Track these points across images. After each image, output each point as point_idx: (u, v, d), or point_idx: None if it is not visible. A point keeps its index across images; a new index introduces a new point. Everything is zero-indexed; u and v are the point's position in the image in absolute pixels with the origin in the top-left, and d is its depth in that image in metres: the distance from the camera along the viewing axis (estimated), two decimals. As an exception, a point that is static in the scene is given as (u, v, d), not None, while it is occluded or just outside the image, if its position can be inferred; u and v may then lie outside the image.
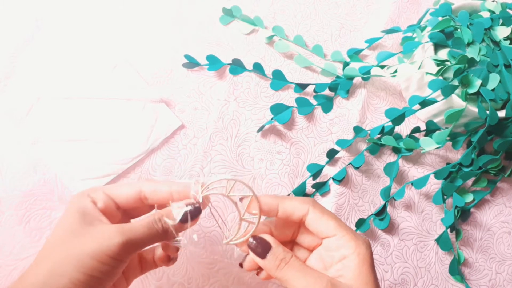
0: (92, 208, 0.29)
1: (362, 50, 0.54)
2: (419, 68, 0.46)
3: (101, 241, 0.26)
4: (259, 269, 0.31)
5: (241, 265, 0.32)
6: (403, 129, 0.52)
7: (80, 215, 0.28)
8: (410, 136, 0.49)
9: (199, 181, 0.31)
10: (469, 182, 0.50)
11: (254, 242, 0.30)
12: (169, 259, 0.33)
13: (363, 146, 0.50)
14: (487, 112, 0.43)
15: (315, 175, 0.48)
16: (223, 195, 0.30)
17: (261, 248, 0.29)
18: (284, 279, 0.29)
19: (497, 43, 0.46)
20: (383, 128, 0.47)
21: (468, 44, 0.46)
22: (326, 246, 0.30)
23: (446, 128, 0.46)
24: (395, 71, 0.47)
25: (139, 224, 0.28)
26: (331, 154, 0.49)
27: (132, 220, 0.33)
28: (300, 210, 0.30)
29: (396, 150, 0.50)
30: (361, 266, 0.28)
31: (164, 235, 0.29)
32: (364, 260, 0.28)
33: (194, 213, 0.30)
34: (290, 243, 0.33)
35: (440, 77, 0.45)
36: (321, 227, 0.30)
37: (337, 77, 0.52)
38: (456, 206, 0.46)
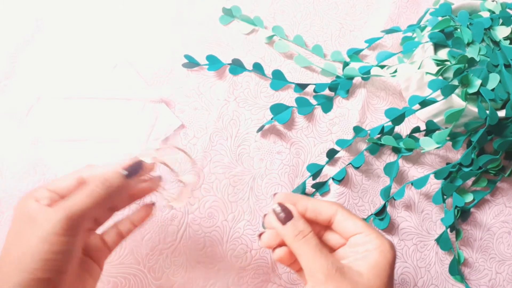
0: (36, 206, 0.29)
1: (362, 50, 0.54)
2: (419, 68, 0.46)
3: (44, 225, 0.26)
4: (275, 247, 0.32)
5: (259, 236, 0.33)
6: (403, 129, 0.52)
7: (23, 216, 0.28)
8: (410, 136, 0.49)
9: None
10: (469, 182, 0.50)
11: (280, 207, 0.31)
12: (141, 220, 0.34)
13: (363, 146, 0.50)
14: (487, 112, 0.43)
15: (315, 175, 0.48)
16: (157, 162, 0.32)
17: (284, 215, 0.30)
18: (298, 251, 0.29)
19: (497, 43, 0.46)
20: (383, 128, 0.47)
21: (468, 44, 0.46)
22: (352, 243, 0.30)
23: (446, 128, 0.46)
24: (395, 71, 0.47)
25: (79, 194, 0.29)
26: (331, 154, 0.49)
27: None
28: (329, 210, 0.31)
29: (396, 150, 0.50)
30: (380, 261, 0.28)
31: (109, 196, 0.30)
32: (385, 257, 0.29)
33: (134, 167, 0.31)
34: None
35: (440, 77, 0.45)
36: (349, 226, 0.30)
37: (337, 77, 0.52)
38: (456, 206, 0.46)
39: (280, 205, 0.31)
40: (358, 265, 0.29)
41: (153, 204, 0.36)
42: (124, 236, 0.34)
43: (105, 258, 0.33)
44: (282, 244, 0.32)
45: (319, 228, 0.33)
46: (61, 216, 0.27)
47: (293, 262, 0.32)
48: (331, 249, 0.32)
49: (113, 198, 0.30)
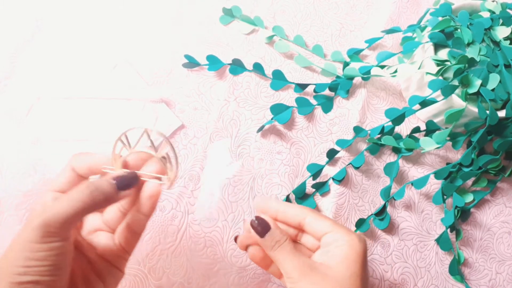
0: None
1: (362, 50, 0.54)
2: (419, 68, 0.46)
3: (24, 233, 0.26)
4: (247, 247, 0.36)
5: (235, 240, 0.36)
6: (403, 129, 0.52)
7: (27, 221, 0.28)
8: (410, 136, 0.49)
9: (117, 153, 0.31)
10: (469, 182, 0.50)
11: (257, 221, 0.33)
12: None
13: (363, 146, 0.50)
14: (487, 112, 0.43)
15: (315, 175, 0.48)
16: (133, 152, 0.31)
17: (261, 228, 0.33)
18: (275, 258, 0.32)
19: (497, 43, 0.46)
20: (383, 128, 0.47)
21: (468, 44, 0.46)
22: (324, 243, 0.33)
23: (446, 128, 0.46)
24: (395, 71, 0.47)
25: (62, 198, 0.27)
26: (331, 154, 0.49)
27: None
28: (299, 215, 0.34)
29: (396, 150, 0.50)
30: (349, 253, 0.31)
31: (94, 204, 0.28)
32: (354, 249, 0.31)
33: (128, 180, 0.30)
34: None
35: (440, 77, 0.45)
36: (319, 226, 0.33)
37: (337, 77, 0.52)
38: (456, 206, 0.46)
39: (257, 218, 0.33)
40: (329, 260, 0.31)
41: (158, 183, 0.32)
42: (138, 232, 0.33)
43: (125, 260, 0.33)
44: (255, 244, 0.35)
45: (297, 231, 0.35)
46: (37, 223, 0.26)
47: (262, 260, 0.35)
48: (310, 252, 0.35)
49: (99, 206, 0.28)
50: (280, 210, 0.34)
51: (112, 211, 0.32)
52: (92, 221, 0.33)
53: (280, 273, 0.35)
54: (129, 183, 0.30)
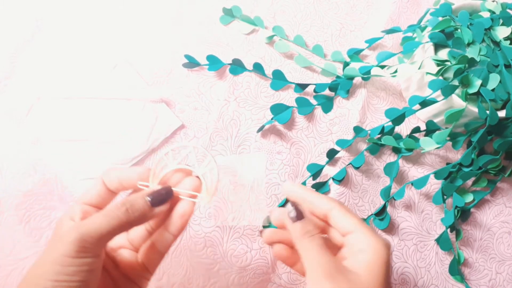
0: (66, 225, 0.28)
1: (362, 50, 0.54)
2: (419, 68, 0.46)
3: (58, 247, 0.26)
4: (275, 243, 0.34)
5: (260, 233, 0.35)
6: (403, 129, 0.52)
7: (54, 235, 0.28)
8: (410, 136, 0.49)
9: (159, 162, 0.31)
10: (469, 182, 0.50)
11: (292, 207, 0.31)
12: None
13: (363, 146, 0.50)
14: (487, 112, 0.43)
15: (315, 175, 0.48)
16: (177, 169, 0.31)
17: (295, 214, 0.31)
18: (302, 248, 0.30)
19: (497, 43, 0.46)
20: (383, 128, 0.47)
21: (468, 44, 0.46)
22: (347, 242, 0.31)
23: (446, 128, 0.46)
24: (395, 71, 0.47)
25: (98, 214, 0.27)
26: (331, 154, 0.49)
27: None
28: (326, 206, 0.32)
29: (396, 150, 0.50)
30: (375, 261, 0.29)
31: (129, 221, 0.28)
32: (380, 256, 0.29)
33: (162, 196, 0.30)
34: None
35: (440, 77, 0.45)
36: (344, 223, 0.31)
37: (337, 77, 0.52)
38: (456, 206, 0.46)
39: (294, 205, 0.32)
40: (354, 265, 0.29)
41: (192, 202, 0.32)
42: (163, 252, 0.32)
43: (147, 280, 0.32)
44: (281, 241, 0.33)
45: (324, 223, 0.33)
46: (74, 237, 0.26)
47: (288, 258, 0.33)
48: (337, 248, 0.33)
49: (134, 224, 0.29)
50: (307, 199, 0.33)
51: (138, 228, 0.32)
52: (116, 238, 0.32)
53: (294, 260, 0.34)
54: (163, 198, 0.29)
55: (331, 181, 0.49)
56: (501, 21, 0.47)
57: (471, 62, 0.44)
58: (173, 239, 0.31)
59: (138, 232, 0.32)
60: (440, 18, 0.47)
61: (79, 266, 0.26)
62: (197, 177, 0.31)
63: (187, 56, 0.51)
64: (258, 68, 0.52)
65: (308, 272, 0.29)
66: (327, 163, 0.49)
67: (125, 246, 0.32)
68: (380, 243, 0.29)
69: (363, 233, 0.30)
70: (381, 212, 0.47)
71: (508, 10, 0.48)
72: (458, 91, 0.44)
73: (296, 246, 0.31)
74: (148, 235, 0.32)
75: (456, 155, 0.51)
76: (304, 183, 0.48)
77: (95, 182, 0.31)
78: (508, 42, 0.46)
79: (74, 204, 0.30)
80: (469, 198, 0.49)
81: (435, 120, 0.49)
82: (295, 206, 0.31)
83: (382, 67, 0.50)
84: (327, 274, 0.28)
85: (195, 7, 0.55)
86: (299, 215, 0.31)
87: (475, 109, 0.43)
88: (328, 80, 0.53)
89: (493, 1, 0.49)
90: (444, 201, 0.47)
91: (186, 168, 0.31)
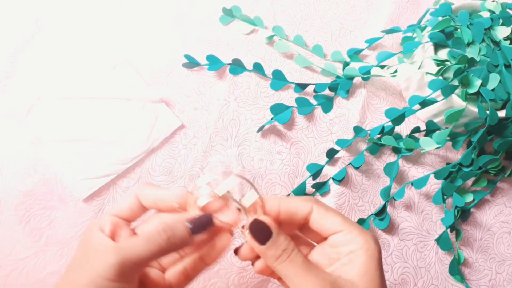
0: (98, 237, 0.27)
1: (362, 50, 0.54)
2: (419, 68, 0.46)
3: (96, 266, 0.25)
4: (254, 259, 0.30)
5: (235, 252, 0.30)
6: (403, 129, 0.52)
7: (83, 246, 0.27)
8: (410, 136, 0.49)
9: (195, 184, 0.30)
10: (469, 182, 0.50)
11: (254, 225, 0.27)
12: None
13: (363, 146, 0.50)
14: (487, 112, 0.43)
15: (315, 175, 0.48)
16: (218, 198, 0.29)
17: (260, 233, 0.27)
18: (284, 273, 0.26)
19: (497, 43, 0.46)
20: (383, 128, 0.47)
21: (468, 44, 0.46)
22: (332, 242, 0.28)
23: (446, 128, 0.46)
24: (395, 71, 0.47)
25: (139, 239, 0.26)
26: (331, 154, 0.49)
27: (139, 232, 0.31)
28: (304, 208, 0.28)
29: (396, 150, 0.50)
30: (369, 263, 0.26)
31: (170, 248, 0.27)
32: (372, 257, 0.27)
33: (202, 222, 0.28)
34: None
35: (440, 77, 0.45)
36: (327, 224, 0.28)
37: (337, 77, 0.52)
38: (456, 206, 0.46)
39: (255, 221, 0.27)
40: (347, 272, 0.26)
41: (231, 236, 0.30)
42: (191, 277, 0.30)
43: None
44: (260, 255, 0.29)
45: (294, 229, 0.30)
46: (116, 260, 0.25)
47: (273, 272, 0.29)
48: (310, 247, 0.30)
49: (173, 250, 0.27)
50: (282, 209, 0.28)
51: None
52: None
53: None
54: (204, 226, 0.28)
55: (331, 181, 0.49)
56: (501, 21, 0.47)
57: (471, 62, 0.44)
58: (205, 267, 0.30)
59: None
60: (440, 18, 0.47)
61: None
62: (238, 209, 0.29)
63: (187, 56, 0.51)
64: (258, 68, 0.52)
65: None
66: (327, 163, 0.49)
67: (152, 265, 0.31)
68: (371, 241, 0.27)
69: (350, 232, 0.27)
70: (381, 212, 0.47)
71: (508, 10, 0.48)
72: (458, 91, 0.44)
73: (275, 270, 0.27)
74: (179, 258, 0.31)
75: (456, 155, 0.51)
76: (304, 183, 0.48)
77: (129, 195, 0.30)
78: (508, 42, 0.46)
79: (104, 214, 0.29)
80: (469, 198, 0.49)
81: (435, 120, 0.49)
82: (257, 223, 0.27)
83: (382, 67, 0.50)
84: None
85: (195, 7, 0.55)
86: (266, 232, 0.27)
87: (475, 109, 0.43)
88: (328, 80, 0.53)
89: (493, 1, 0.49)
90: (444, 201, 0.47)
91: (228, 196, 0.29)
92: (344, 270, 0.27)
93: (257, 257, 0.29)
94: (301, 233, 0.31)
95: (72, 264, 0.27)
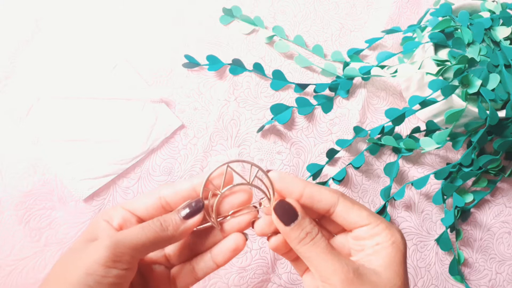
0: (102, 226, 0.27)
1: (362, 50, 0.54)
2: (419, 68, 0.46)
3: (92, 253, 0.25)
4: (270, 235, 0.29)
5: (252, 225, 0.29)
6: (403, 129, 0.52)
7: (87, 233, 0.27)
8: (410, 136, 0.49)
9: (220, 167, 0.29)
10: (469, 182, 0.50)
11: (281, 206, 0.27)
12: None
13: (363, 146, 0.50)
14: (487, 112, 0.43)
15: (315, 175, 0.48)
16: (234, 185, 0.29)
17: (287, 215, 0.27)
18: (306, 255, 0.26)
19: (497, 43, 0.46)
20: (383, 128, 0.47)
21: (468, 44, 0.46)
22: (357, 235, 0.27)
23: (446, 128, 0.46)
24: (395, 71, 0.47)
25: (135, 226, 0.26)
26: (331, 154, 0.49)
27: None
28: (330, 199, 0.27)
29: (396, 150, 0.50)
30: (394, 255, 0.26)
31: (165, 236, 0.27)
32: (398, 250, 0.26)
33: (192, 212, 0.28)
34: None
35: (440, 77, 0.45)
36: (353, 217, 0.27)
37: (337, 77, 0.52)
38: (456, 206, 0.46)
39: (282, 202, 0.27)
40: (371, 262, 0.26)
41: (244, 235, 0.29)
42: (199, 277, 0.30)
43: None
44: (277, 231, 0.28)
45: (314, 214, 0.29)
46: (110, 243, 0.25)
47: (288, 251, 0.29)
48: (330, 235, 0.30)
49: (169, 239, 0.27)
50: (306, 194, 0.27)
51: (179, 247, 0.30)
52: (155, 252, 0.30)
53: (304, 269, 0.30)
54: (194, 210, 0.28)
55: (331, 181, 0.49)
56: (501, 21, 0.47)
57: (471, 62, 0.44)
58: (215, 268, 0.30)
59: (177, 249, 0.30)
60: (440, 18, 0.47)
61: (110, 277, 0.24)
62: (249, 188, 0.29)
63: (187, 56, 0.51)
64: (258, 68, 0.52)
65: (321, 280, 0.26)
66: (327, 163, 0.49)
67: (160, 261, 0.31)
68: (398, 235, 0.27)
69: (377, 226, 0.27)
70: (381, 212, 0.47)
71: (508, 10, 0.48)
72: (458, 91, 0.44)
73: (297, 252, 0.27)
74: (189, 253, 0.30)
75: (456, 155, 0.51)
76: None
77: (151, 194, 0.29)
78: (508, 42, 0.46)
79: (117, 205, 0.29)
80: (469, 198, 0.49)
81: (435, 120, 0.49)
82: (284, 204, 0.27)
83: (382, 67, 0.50)
84: (345, 281, 0.25)
85: (195, 7, 0.55)
86: (292, 215, 0.27)
87: (475, 109, 0.43)
88: (328, 80, 0.53)
89: (493, 1, 0.49)
90: (444, 201, 0.47)
91: (238, 187, 0.29)
92: (368, 259, 0.26)
93: (273, 233, 0.28)
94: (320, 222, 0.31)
95: (69, 252, 0.27)
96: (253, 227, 0.29)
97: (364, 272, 0.25)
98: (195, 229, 0.29)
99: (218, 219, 0.29)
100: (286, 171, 0.48)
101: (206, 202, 0.29)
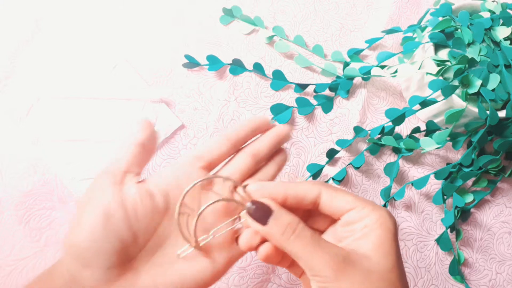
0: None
1: (362, 50, 0.54)
2: (419, 68, 0.46)
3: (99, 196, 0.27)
4: (257, 246, 0.27)
5: (236, 240, 0.28)
6: (403, 129, 0.52)
7: (88, 192, 0.29)
8: (410, 136, 0.49)
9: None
10: (469, 182, 0.50)
11: (253, 206, 0.26)
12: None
13: (363, 146, 0.50)
14: (488, 112, 0.43)
15: (315, 175, 0.48)
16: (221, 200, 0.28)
17: (261, 213, 0.25)
18: (293, 252, 0.24)
19: (497, 43, 0.46)
20: (383, 128, 0.47)
21: (469, 44, 0.46)
22: (344, 222, 0.26)
23: (446, 128, 0.46)
24: (396, 71, 0.47)
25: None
26: (331, 154, 0.49)
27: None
28: (312, 191, 0.26)
29: (396, 150, 0.50)
30: (384, 236, 0.25)
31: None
32: (387, 230, 0.25)
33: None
34: None
35: (441, 77, 0.45)
36: (338, 204, 0.26)
37: (337, 77, 0.52)
38: (456, 206, 0.46)
39: (253, 202, 0.26)
40: (360, 246, 0.25)
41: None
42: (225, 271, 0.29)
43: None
44: (264, 240, 0.27)
45: (301, 214, 0.28)
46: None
47: (281, 259, 0.27)
48: (320, 232, 0.29)
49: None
50: (289, 195, 0.26)
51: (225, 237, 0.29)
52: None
53: (301, 272, 0.28)
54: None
55: (331, 181, 0.49)
56: (501, 21, 0.47)
57: (471, 62, 0.44)
58: (240, 256, 0.29)
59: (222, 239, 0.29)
60: (440, 18, 0.47)
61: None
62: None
63: (187, 56, 0.51)
64: (258, 68, 0.52)
65: (311, 275, 0.24)
66: (327, 163, 0.49)
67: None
68: (385, 214, 0.26)
69: (364, 207, 0.26)
70: (381, 212, 0.47)
71: (508, 10, 0.48)
72: (458, 91, 0.44)
73: (282, 249, 0.25)
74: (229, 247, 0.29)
75: (456, 155, 0.51)
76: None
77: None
78: (508, 42, 0.46)
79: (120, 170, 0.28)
80: (469, 198, 0.49)
81: (435, 120, 0.49)
82: (255, 204, 0.26)
83: (382, 67, 0.50)
84: (337, 270, 0.23)
85: (195, 7, 0.55)
86: (266, 211, 0.25)
87: (475, 109, 0.43)
88: (328, 80, 0.53)
89: (493, 1, 0.49)
90: (444, 201, 0.47)
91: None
92: (358, 244, 0.25)
93: (260, 243, 0.27)
94: (309, 220, 0.29)
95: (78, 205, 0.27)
96: (237, 244, 0.28)
97: (355, 258, 0.24)
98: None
99: (201, 241, 0.27)
100: (285, 171, 0.48)
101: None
